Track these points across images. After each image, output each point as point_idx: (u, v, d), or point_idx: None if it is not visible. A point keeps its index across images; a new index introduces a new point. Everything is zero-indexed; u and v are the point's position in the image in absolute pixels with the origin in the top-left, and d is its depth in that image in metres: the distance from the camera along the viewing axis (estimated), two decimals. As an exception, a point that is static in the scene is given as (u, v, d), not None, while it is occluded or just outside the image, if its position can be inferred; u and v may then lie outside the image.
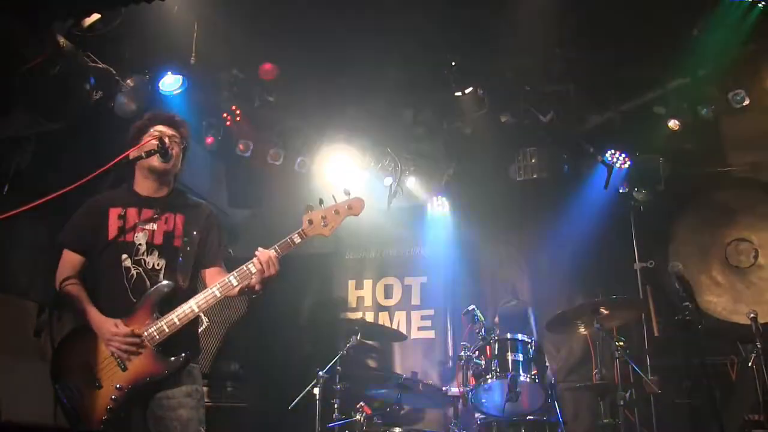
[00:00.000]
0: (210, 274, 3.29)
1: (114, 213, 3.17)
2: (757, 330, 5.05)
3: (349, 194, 3.21)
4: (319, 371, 5.15)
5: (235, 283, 3.07)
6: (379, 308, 7.20)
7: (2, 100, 4.57)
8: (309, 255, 7.08)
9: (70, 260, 3.19)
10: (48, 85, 4.63)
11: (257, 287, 3.11)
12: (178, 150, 3.27)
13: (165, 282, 3.10)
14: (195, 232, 3.23)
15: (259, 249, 3.06)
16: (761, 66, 5.42)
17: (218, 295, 3.06)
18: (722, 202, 6.33)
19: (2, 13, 4.02)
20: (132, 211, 3.17)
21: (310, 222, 3.13)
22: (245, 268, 3.06)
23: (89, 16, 4.57)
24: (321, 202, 3.18)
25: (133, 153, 3.15)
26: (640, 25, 5.17)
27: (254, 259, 3.05)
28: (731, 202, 6.32)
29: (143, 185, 3.25)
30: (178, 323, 3.01)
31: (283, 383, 5.92)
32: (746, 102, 5.59)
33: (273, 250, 3.07)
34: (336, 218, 3.15)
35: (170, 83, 5.57)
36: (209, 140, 6.27)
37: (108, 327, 2.98)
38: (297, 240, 3.11)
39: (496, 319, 6.25)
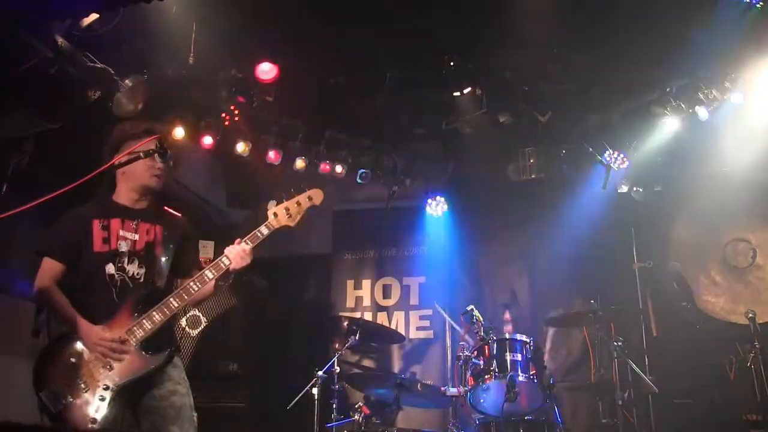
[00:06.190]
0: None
1: (97, 224, 3.27)
2: (755, 330, 5.06)
3: (309, 187, 3.45)
4: (317, 371, 5.14)
5: (210, 276, 3.22)
6: (377, 308, 7.19)
7: (1, 100, 4.57)
8: (307, 255, 7.08)
9: (50, 268, 3.24)
10: (46, 85, 4.63)
11: (230, 279, 3.34)
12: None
13: (144, 283, 3.24)
14: (172, 243, 3.37)
15: (228, 247, 3.25)
16: (760, 66, 5.42)
17: (195, 288, 3.20)
18: (720, 203, 6.33)
19: (1, 14, 4.02)
20: (115, 222, 3.29)
21: (275, 215, 3.34)
22: (219, 263, 3.23)
23: (87, 16, 4.56)
24: (284, 196, 3.38)
25: (129, 155, 3.17)
26: (640, 25, 5.17)
27: (225, 255, 3.23)
28: (729, 203, 6.32)
29: (125, 196, 3.36)
30: (158, 319, 3.12)
31: (282, 384, 5.91)
32: (744, 102, 5.59)
33: (244, 243, 3.25)
34: (298, 209, 3.38)
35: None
36: (208, 140, 6.26)
37: (96, 332, 3.06)
38: (265, 231, 3.31)
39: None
